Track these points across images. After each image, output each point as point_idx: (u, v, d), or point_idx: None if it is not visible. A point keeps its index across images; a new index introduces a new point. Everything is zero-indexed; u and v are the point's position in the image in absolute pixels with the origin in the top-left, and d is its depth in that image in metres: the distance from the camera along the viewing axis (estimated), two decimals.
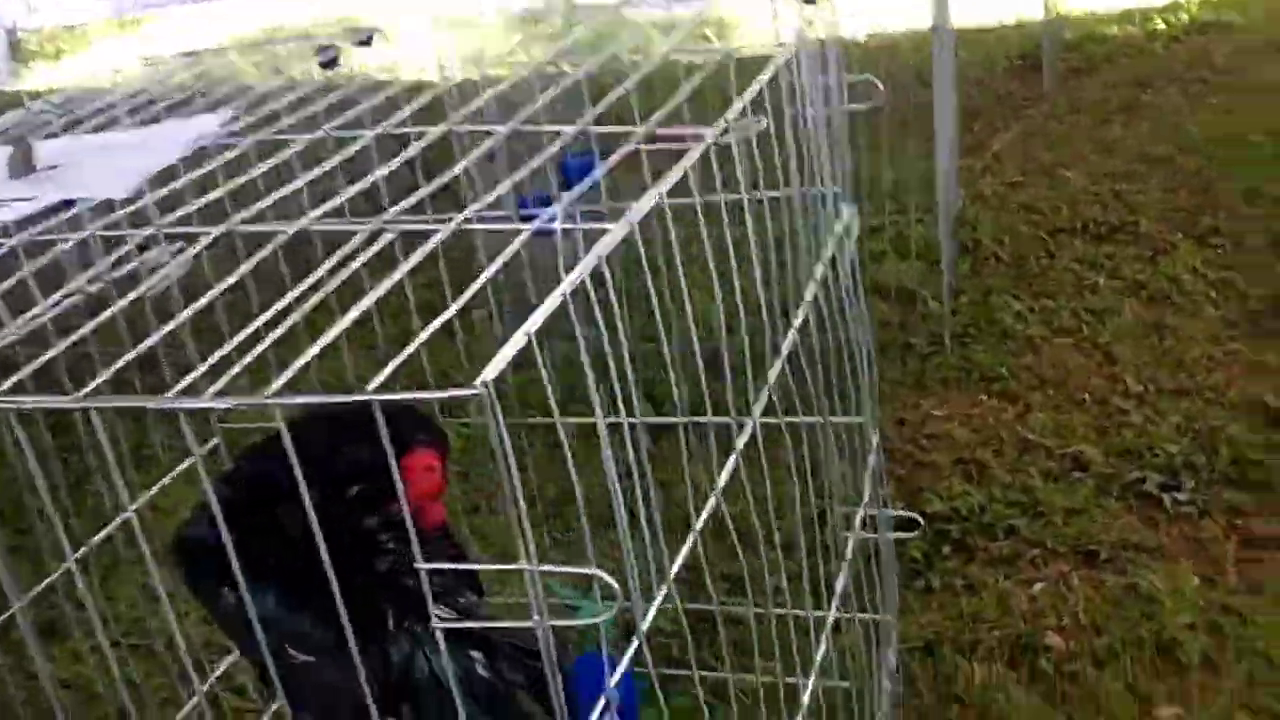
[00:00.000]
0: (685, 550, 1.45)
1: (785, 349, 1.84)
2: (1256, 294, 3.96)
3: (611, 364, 1.32)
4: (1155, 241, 4.41)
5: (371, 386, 1.10)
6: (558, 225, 1.48)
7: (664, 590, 1.28)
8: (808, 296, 1.93)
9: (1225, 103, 5.73)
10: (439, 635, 2.10)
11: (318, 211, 1.49)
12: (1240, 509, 2.88)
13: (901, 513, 2.35)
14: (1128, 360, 3.62)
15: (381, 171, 1.66)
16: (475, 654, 2.04)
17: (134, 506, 1.66)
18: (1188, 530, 2.84)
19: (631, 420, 1.49)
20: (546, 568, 1.03)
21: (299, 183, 1.61)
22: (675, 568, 1.40)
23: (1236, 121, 5.43)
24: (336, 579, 1.85)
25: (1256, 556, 2.72)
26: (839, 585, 2.06)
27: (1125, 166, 5.13)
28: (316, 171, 1.64)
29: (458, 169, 1.59)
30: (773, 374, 1.81)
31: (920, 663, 2.53)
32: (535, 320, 0.99)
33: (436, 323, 1.18)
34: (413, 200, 1.55)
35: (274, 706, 2.71)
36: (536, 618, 1.01)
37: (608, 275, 1.15)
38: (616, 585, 1.11)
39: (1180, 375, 3.51)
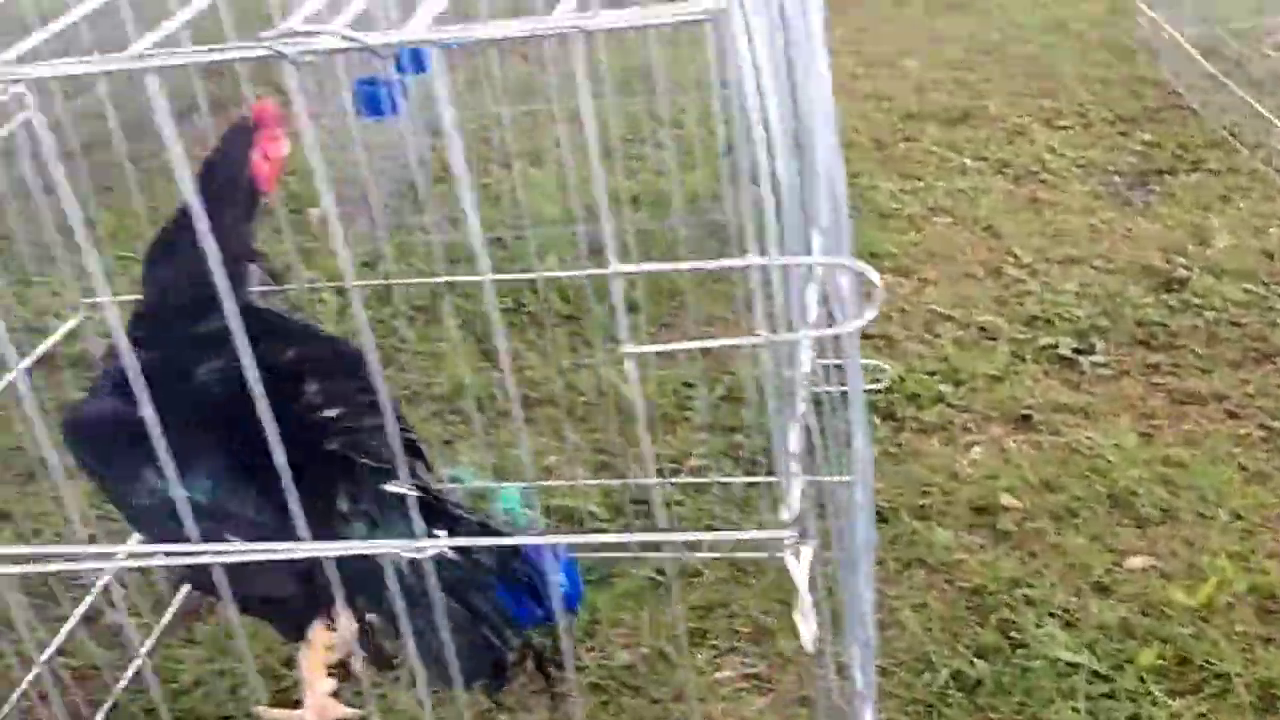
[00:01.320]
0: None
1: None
2: (1115, 168, 4.02)
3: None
4: (1008, 124, 4.43)
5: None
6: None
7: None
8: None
9: None
10: (397, 514, 1.88)
11: None
12: (1157, 367, 2.89)
13: (872, 361, 2.23)
14: (1011, 234, 3.61)
15: None
16: (440, 534, 1.82)
17: None
18: (1112, 390, 2.82)
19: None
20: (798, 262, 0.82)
21: None
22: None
23: (1057, 13, 5.52)
24: (279, 457, 1.57)
25: (1183, 412, 2.72)
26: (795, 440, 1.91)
27: (963, 56, 5.14)
28: None
29: None
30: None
31: (878, 530, 2.43)
32: None
33: None
34: None
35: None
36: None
37: None
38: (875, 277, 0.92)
39: (1066, 246, 3.51)
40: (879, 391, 2.80)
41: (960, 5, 5.85)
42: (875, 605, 2.24)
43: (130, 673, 2.24)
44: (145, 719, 2.17)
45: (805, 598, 0.85)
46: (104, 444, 1.82)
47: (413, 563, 1.81)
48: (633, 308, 3.31)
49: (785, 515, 0.89)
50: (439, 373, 3.04)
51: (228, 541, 1.80)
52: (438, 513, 1.85)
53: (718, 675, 2.15)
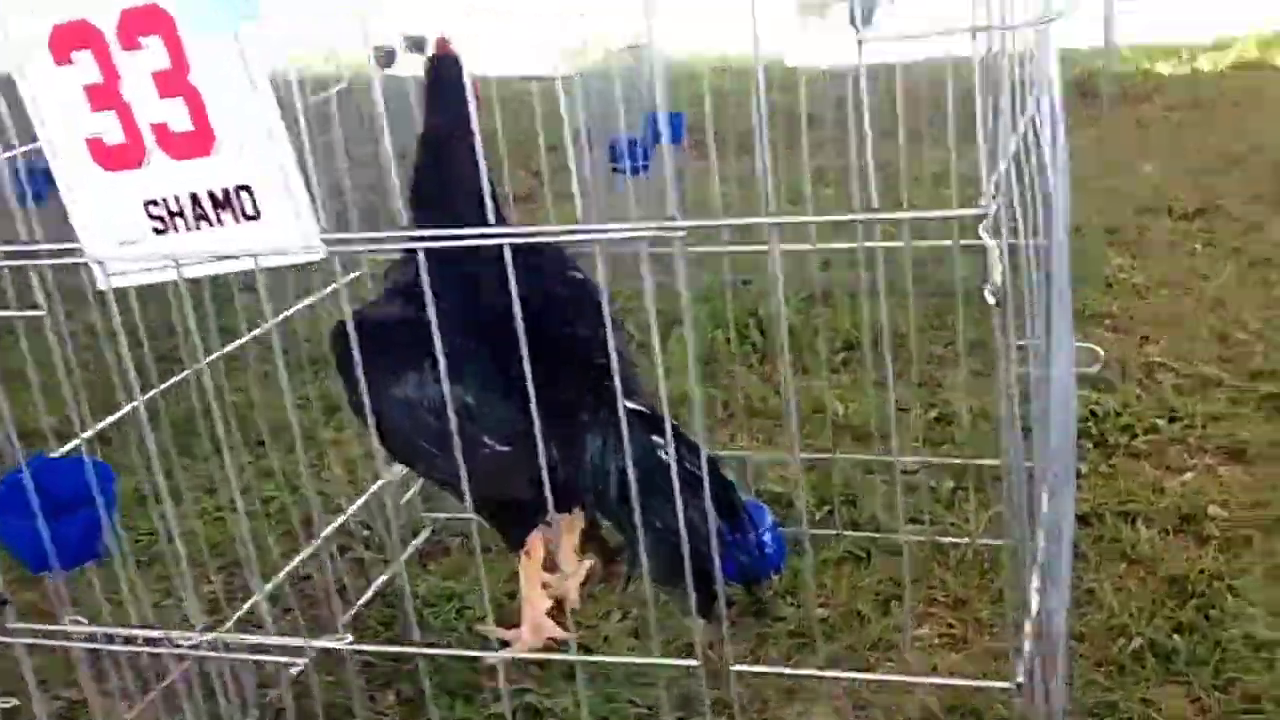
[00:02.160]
0: None
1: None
2: None
3: None
4: (1245, 221, 4.43)
5: None
6: None
7: None
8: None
9: None
10: (626, 421, 1.99)
11: None
12: None
13: (1086, 344, 2.32)
14: (1238, 305, 3.61)
15: None
16: (656, 438, 1.94)
17: None
18: None
19: None
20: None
21: None
22: None
23: None
24: (547, 371, 1.74)
25: None
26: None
27: (1201, 163, 5.17)
28: None
29: None
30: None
31: (1081, 531, 2.48)
32: None
33: None
34: None
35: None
36: None
37: None
38: None
39: None
40: (1093, 413, 2.87)
41: (1202, 122, 5.89)
42: (1073, 585, 2.30)
43: (370, 592, 2.48)
44: (381, 630, 2.39)
45: (992, 247, 1.00)
46: (378, 344, 2.03)
47: (645, 463, 1.97)
48: (851, 344, 3.48)
49: (981, 201, 1.05)
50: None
51: (483, 444, 2.02)
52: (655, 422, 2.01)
53: (915, 632, 2.23)
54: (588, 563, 2.40)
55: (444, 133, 2.09)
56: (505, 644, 2.29)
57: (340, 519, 2.55)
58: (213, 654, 1.54)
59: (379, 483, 2.63)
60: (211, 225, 1.25)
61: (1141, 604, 2.22)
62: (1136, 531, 2.44)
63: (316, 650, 1.58)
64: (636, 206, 3.97)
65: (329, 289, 2.49)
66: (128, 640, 1.57)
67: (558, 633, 2.31)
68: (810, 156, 3.03)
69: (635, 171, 3.85)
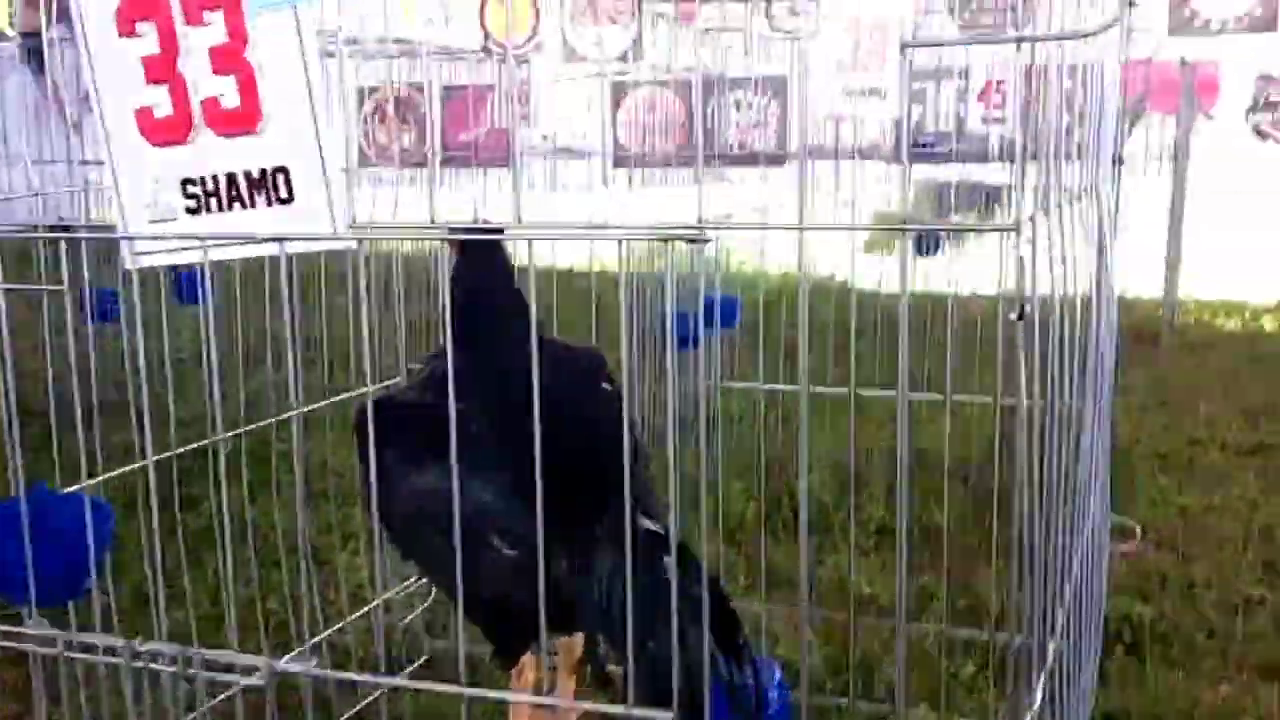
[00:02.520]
0: None
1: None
2: None
3: None
4: None
5: None
6: None
7: None
8: None
9: None
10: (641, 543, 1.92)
11: None
12: None
13: (1119, 518, 2.24)
14: None
15: None
16: (666, 559, 1.88)
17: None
18: None
19: None
20: None
21: None
22: None
23: None
24: (566, 481, 1.69)
25: None
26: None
27: (1260, 406, 5.10)
28: None
29: None
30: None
31: None
32: None
33: None
34: None
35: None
36: None
37: None
38: None
39: None
40: (1128, 619, 2.75)
41: (1263, 375, 5.83)
42: None
43: (355, 709, 2.39)
44: None
45: (1026, 259, 0.99)
46: (398, 428, 1.98)
47: (654, 586, 1.88)
48: (882, 529, 3.42)
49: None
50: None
51: (490, 545, 1.96)
52: (682, 559, 1.93)
53: None
54: (582, 706, 2.30)
55: (476, 274, 2.07)
56: None
57: (333, 628, 2.48)
58: (169, 669, 1.47)
59: (381, 597, 2.57)
60: (245, 207, 1.25)
61: None
62: None
63: (274, 671, 1.50)
64: (680, 375, 4.01)
65: (356, 393, 2.49)
66: (86, 648, 1.50)
67: None
68: (858, 365, 3.01)
69: (684, 344, 3.86)
